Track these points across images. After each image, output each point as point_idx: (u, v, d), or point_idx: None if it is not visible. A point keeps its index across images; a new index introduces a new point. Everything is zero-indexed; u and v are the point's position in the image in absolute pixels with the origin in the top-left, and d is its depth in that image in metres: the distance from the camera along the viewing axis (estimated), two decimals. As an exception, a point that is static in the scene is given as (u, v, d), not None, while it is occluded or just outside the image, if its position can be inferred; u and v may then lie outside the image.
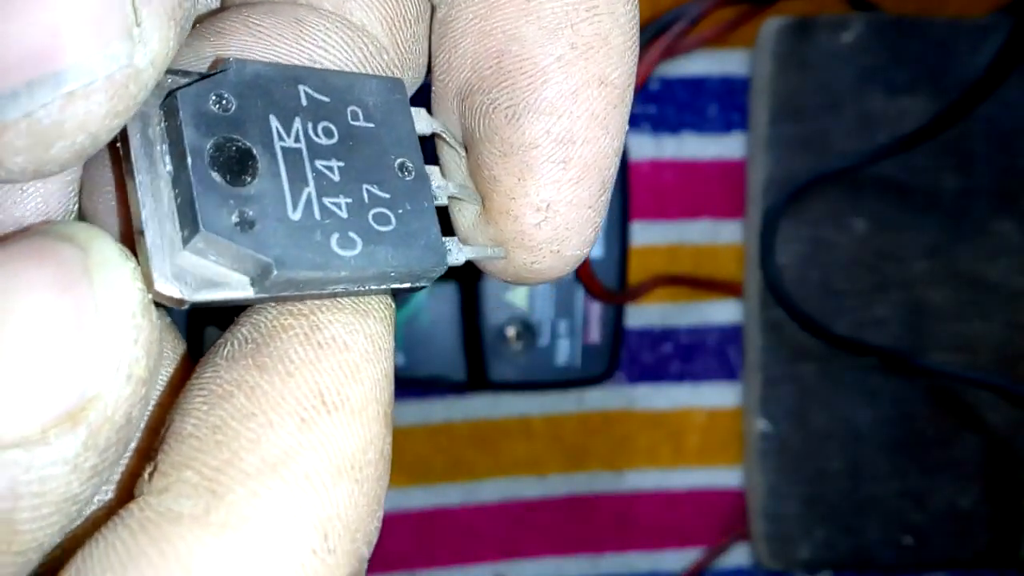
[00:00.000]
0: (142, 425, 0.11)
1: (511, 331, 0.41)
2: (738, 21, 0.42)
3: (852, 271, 0.43)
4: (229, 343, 0.11)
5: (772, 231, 0.41)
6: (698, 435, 0.45)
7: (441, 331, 0.41)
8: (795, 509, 0.44)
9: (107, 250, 0.10)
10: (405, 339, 0.41)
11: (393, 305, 0.13)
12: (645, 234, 0.44)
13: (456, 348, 0.41)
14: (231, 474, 0.10)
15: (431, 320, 0.41)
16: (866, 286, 0.43)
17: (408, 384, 0.43)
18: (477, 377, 0.41)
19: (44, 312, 0.09)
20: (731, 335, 0.45)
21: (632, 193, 0.42)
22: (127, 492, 0.11)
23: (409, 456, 0.44)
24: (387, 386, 0.12)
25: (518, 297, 0.41)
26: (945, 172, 0.43)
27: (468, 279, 0.41)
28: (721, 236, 0.44)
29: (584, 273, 0.40)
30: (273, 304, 0.12)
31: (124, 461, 0.12)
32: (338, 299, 0.12)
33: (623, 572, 0.45)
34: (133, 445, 0.12)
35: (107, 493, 0.12)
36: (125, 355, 0.10)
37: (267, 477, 0.10)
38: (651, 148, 0.44)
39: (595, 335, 0.41)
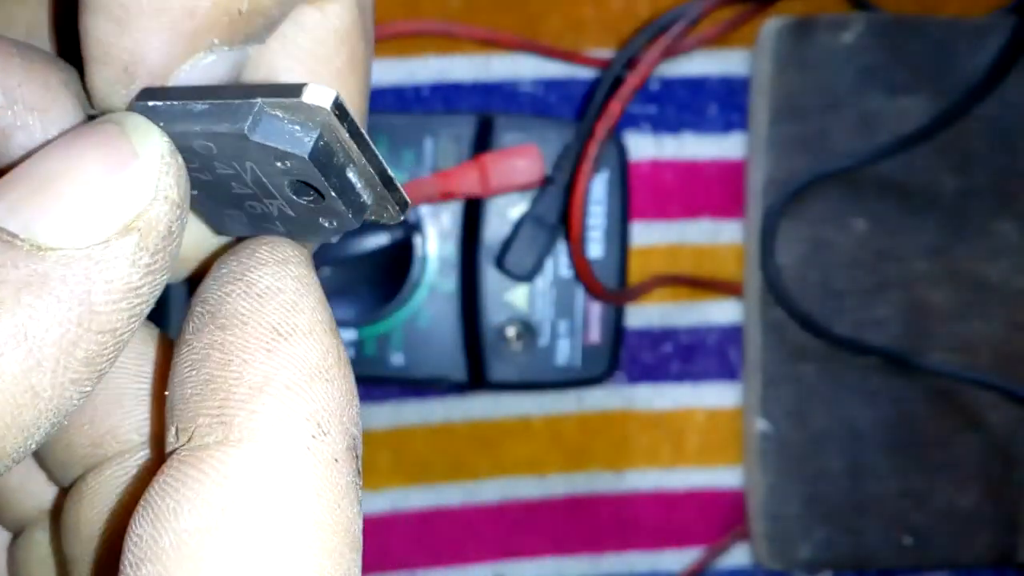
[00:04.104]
0: (178, 251, 0.14)
1: (511, 331, 0.41)
2: (738, 21, 0.42)
3: (852, 271, 0.43)
4: (191, 320, 0.14)
5: (772, 231, 0.41)
6: (698, 435, 0.45)
7: (441, 331, 0.41)
8: (795, 509, 0.44)
9: (139, 120, 0.14)
10: (405, 339, 0.41)
11: (307, 249, 0.16)
12: (645, 234, 0.44)
13: (456, 348, 0.41)
14: (231, 405, 0.13)
15: (431, 320, 0.41)
16: (866, 286, 0.43)
17: (408, 384, 0.43)
18: (477, 377, 0.41)
19: (101, 162, 0.13)
20: (731, 335, 0.45)
21: (632, 193, 0.42)
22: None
23: (409, 456, 0.44)
24: (324, 309, 0.14)
25: (518, 297, 0.41)
26: (945, 172, 0.43)
27: (468, 279, 0.41)
28: (721, 236, 0.44)
29: (584, 273, 0.40)
30: (210, 282, 0.14)
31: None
32: (259, 257, 0.14)
33: (623, 572, 0.45)
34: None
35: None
36: (161, 183, 0.13)
37: (258, 397, 0.13)
38: (651, 148, 0.44)
39: (595, 335, 0.41)
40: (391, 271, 0.40)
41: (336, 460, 0.13)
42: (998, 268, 0.43)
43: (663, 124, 0.44)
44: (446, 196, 0.39)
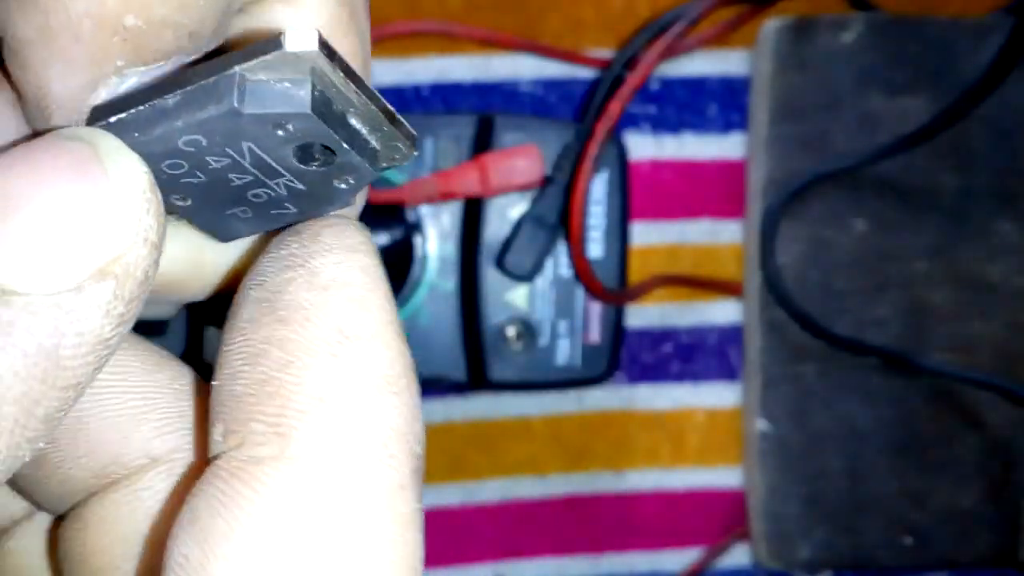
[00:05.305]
0: (149, 285, 0.12)
1: (511, 331, 0.41)
2: (738, 21, 0.42)
3: (852, 271, 0.43)
4: (245, 306, 0.13)
5: (772, 231, 0.41)
6: (698, 435, 0.45)
7: (441, 331, 0.41)
8: (795, 509, 0.44)
9: (113, 142, 0.12)
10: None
11: (370, 235, 0.14)
12: (645, 234, 0.44)
13: (456, 348, 0.41)
14: (290, 415, 0.12)
15: (431, 320, 0.41)
16: (866, 286, 0.43)
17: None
18: (477, 377, 0.41)
19: (70, 192, 0.11)
20: (731, 335, 0.45)
21: (632, 193, 0.42)
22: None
23: (409, 456, 0.44)
24: (391, 307, 0.13)
25: (518, 297, 0.41)
26: (945, 172, 0.43)
27: (468, 279, 0.41)
28: (721, 236, 0.44)
29: (584, 273, 0.40)
30: (268, 263, 0.13)
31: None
32: (324, 242, 0.13)
33: (623, 572, 0.45)
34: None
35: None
36: (142, 223, 0.12)
37: (320, 408, 0.12)
38: (651, 148, 0.44)
39: (595, 335, 0.41)
40: (391, 271, 0.40)
41: (402, 487, 0.12)
42: (998, 268, 0.43)
43: (663, 124, 0.44)
44: (446, 196, 0.39)
